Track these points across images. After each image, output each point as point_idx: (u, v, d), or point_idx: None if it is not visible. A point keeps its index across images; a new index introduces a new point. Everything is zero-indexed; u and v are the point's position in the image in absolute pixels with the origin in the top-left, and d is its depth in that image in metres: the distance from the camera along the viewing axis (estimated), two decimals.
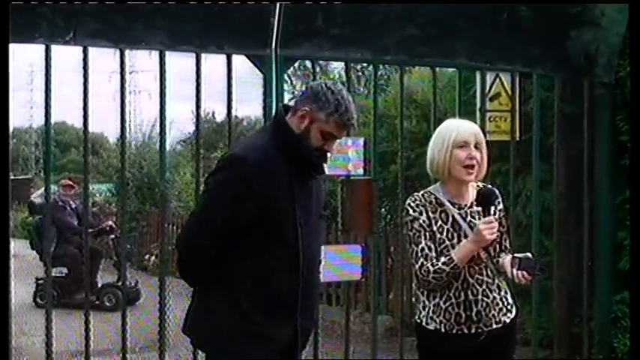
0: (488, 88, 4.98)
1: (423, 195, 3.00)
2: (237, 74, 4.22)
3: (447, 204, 2.95)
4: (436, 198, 2.97)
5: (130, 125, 15.96)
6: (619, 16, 4.86)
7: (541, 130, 5.02)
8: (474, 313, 2.92)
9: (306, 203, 2.72)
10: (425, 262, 2.89)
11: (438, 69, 4.90)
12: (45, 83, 3.90)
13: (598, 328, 5.17)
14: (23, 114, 38.18)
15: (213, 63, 4.55)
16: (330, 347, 5.44)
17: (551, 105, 5.10)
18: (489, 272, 2.96)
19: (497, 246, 3.00)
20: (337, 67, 11.65)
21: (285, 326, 2.71)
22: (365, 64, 10.19)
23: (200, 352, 3.23)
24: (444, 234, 2.93)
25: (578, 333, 5.19)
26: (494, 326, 2.96)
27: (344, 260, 4.35)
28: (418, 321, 3.02)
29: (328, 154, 2.76)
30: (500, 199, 3.06)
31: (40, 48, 3.85)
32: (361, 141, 4.38)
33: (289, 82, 12.14)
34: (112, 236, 9.45)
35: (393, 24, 4.46)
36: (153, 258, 11.63)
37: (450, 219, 2.94)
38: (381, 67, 9.00)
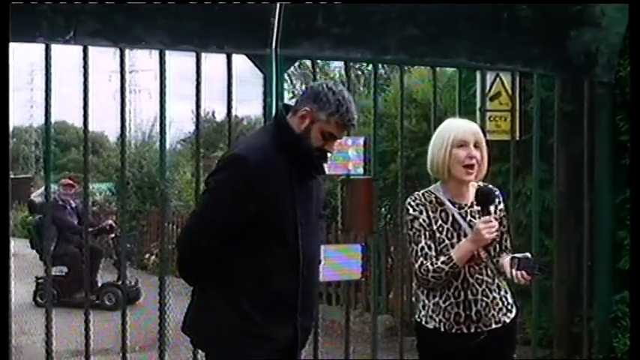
0: (488, 87, 4.99)
1: (423, 194, 3.00)
2: (237, 74, 4.24)
3: (447, 203, 2.95)
4: (436, 197, 2.97)
5: (130, 124, 15.98)
6: (619, 16, 4.86)
7: (541, 129, 5.03)
8: (473, 313, 2.93)
9: (306, 203, 2.72)
10: (424, 261, 2.89)
11: (438, 68, 4.90)
12: (45, 82, 3.91)
13: (598, 328, 5.17)
14: (23, 113, 38.16)
15: (214, 62, 4.56)
16: (330, 347, 5.42)
17: (551, 105, 5.10)
18: (489, 272, 2.96)
19: (498, 246, 3.00)
20: (338, 66, 11.64)
21: (285, 326, 2.71)
22: (365, 64, 10.18)
23: (200, 352, 3.23)
24: (444, 233, 2.93)
25: (578, 333, 5.20)
26: (494, 326, 2.96)
27: (344, 258, 4.34)
28: (418, 320, 3.03)
29: (328, 154, 2.76)
30: (500, 199, 3.06)
31: (40, 47, 3.86)
32: (361, 140, 4.38)
33: (289, 81, 12.13)
34: (112, 235, 9.45)
35: (393, 24, 4.46)
36: (153, 257, 11.61)
37: (450, 218, 2.95)
38: (380, 66, 9.00)
